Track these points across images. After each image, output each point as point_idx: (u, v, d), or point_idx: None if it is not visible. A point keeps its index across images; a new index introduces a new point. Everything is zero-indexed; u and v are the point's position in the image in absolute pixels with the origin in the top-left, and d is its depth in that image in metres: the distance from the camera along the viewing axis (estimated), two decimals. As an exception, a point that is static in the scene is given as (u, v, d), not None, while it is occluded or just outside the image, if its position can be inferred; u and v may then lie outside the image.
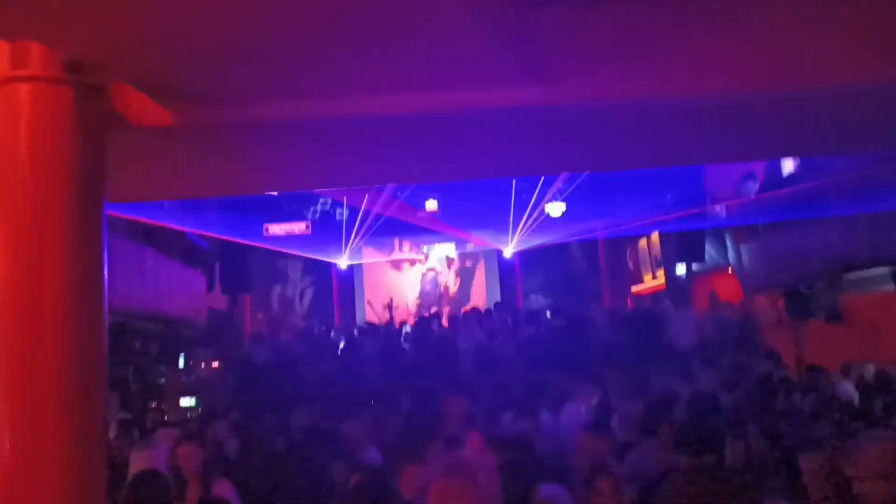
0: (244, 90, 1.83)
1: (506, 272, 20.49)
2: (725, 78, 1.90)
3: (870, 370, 9.66)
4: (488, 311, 15.96)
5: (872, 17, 1.87)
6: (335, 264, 18.72)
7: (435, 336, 13.58)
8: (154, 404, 10.69)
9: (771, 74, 1.85)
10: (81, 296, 1.71)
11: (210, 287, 13.19)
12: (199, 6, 1.52)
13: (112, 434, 6.84)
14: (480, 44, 1.66)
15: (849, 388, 8.75)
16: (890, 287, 9.49)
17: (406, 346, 14.02)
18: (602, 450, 4.77)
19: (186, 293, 11.70)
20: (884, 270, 9.39)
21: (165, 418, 8.98)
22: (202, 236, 13.01)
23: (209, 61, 1.70)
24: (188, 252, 12.07)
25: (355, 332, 15.50)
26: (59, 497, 1.59)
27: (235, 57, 1.70)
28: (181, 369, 12.03)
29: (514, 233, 19.30)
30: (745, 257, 13.29)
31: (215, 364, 13.09)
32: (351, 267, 19.03)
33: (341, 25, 1.60)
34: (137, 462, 4.82)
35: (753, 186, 13.46)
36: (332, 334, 15.28)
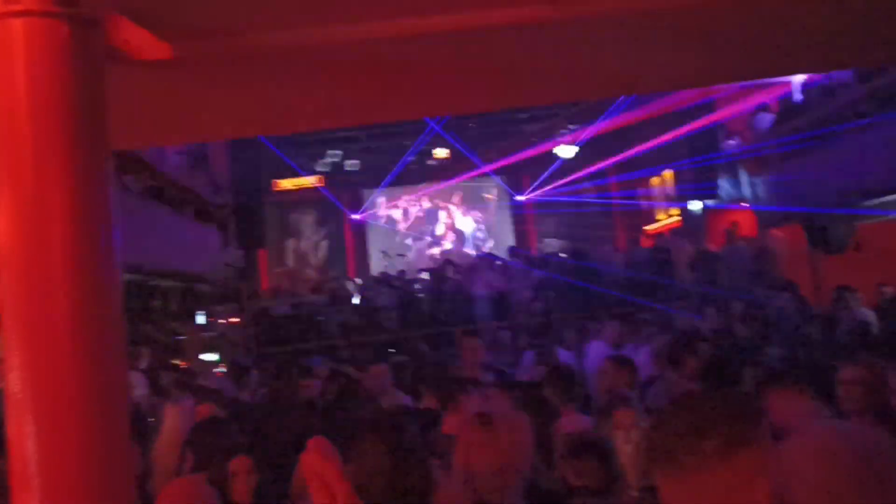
0: (244, 19, 1.78)
1: (519, 216, 20.44)
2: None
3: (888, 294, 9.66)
4: (505, 254, 15.98)
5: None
6: (349, 215, 18.73)
7: (450, 283, 13.62)
8: (177, 361, 10.82)
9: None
10: (90, 244, 1.66)
11: (225, 243, 13.25)
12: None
13: (143, 390, 6.95)
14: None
15: (866, 314, 8.74)
16: (907, 212, 9.38)
17: (422, 294, 14.09)
18: (623, 380, 4.77)
19: (202, 250, 11.75)
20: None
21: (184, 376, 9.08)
22: (216, 193, 13.02)
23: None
24: (202, 210, 12.09)
25: (371, 282, 15.59)
26: (83, 458, 1.56)
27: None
28: (201, 325, 12.15)
29: (526, 176, 19.17)
30: (759, 190, 13.15)
31: (235, 319, 13.23)
32: (364, 218, 19.05)
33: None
34: (171, 417, 4.92)
35: (767, 118, 13.25)
36: (349, 285, 15.37)
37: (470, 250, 18.71)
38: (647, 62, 2.23)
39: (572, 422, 4.19)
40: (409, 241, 19.29)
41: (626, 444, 3.28)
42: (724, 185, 14.73)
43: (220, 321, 12.95)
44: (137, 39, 1.74)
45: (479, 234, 19.94)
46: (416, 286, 14.55)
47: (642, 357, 6.95)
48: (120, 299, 1.69)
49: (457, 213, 19.81)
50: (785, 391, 3.15)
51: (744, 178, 14.23)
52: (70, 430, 1.50)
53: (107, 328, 1.62)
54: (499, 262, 14.50)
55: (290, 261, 18.70)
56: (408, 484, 2.19)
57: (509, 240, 19.28)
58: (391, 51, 1.90)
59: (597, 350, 7.90)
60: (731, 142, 14.36)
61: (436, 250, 19.18)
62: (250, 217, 13.70)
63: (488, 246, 19.20)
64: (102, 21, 1.68)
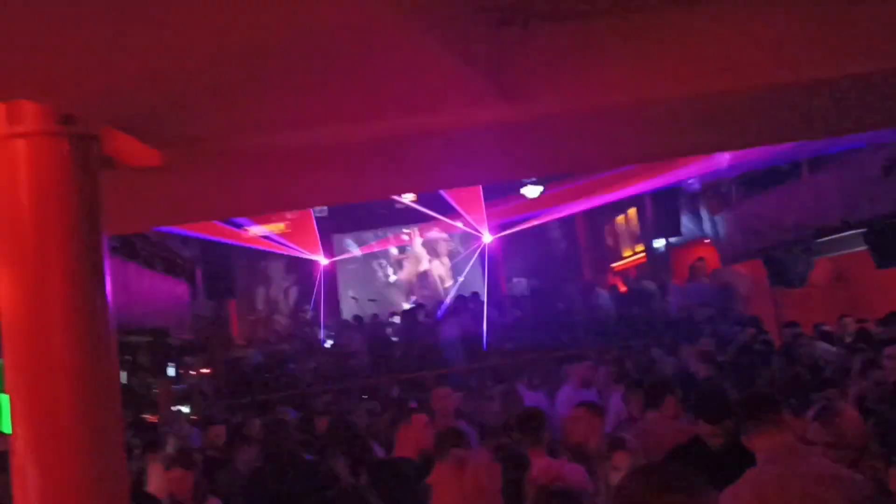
0: (225, 126, 1.92)
1: (486, 257, 20.58)
2: (683, 80, 2.02)
3: (849, 327, 9.94)
4: (474, 294, 16.10)
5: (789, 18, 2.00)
6: (317, 261, 18.76)
7: (421, 326, 13.71)
8: (148, 416, 10.74)
9: (707, 77, 1.97)
10: (88, 322, 1.81)
11: (195, 294, 13.22)
12: (177, 57, 1.61)
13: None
14: (450, 69, 1.77)
15: (828, 348, 8.98)
16: (862, 248, 9.70)
17: (394, 338, 14.15)
18: (597, 427, 4.88)
19: (172, 303, 11.74)
20: (855, 232, 9.61)
21: (159, 429, 9.03)
22: (184, 244, 13.02)
23: (190, 104, 1.79)
24: (170, 262, 12.10)
25: (342, 327, 15.62)
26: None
27: (215, 97, 1.79)
28: (172, 378, 12.07)
29: (492, 217, 19.39)
30: (720, 227, 13.50)
31: (206, 370, 13.15)
32: (333, 262, 19.08)
33: (312, 62, 1.69)
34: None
35: (725, 157, 13.64)
36: (319, 331, 15.38)
37: (440, 292, 18.81)
38: (603, 147, 2.41)
39: (544, 469, 4.29)
40: (382, 282, 19.34)
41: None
42: (686, 222, 15.09)
43: (192, 372, 12.88)
44: (129, 148, 1.86)
45: (449, 276, 20.06)
46: (388, 330, 14.61)
47: (614, 400, 7.08)
48: (115, 360, 1.83)
49: (424, 255, 19.91)
50: (764, 424, 3.32)
51: (705, 215, 14.60)
52: (73, 482, 1.64)
53: (104, 387, 1.76)
54: (470, 305, 14.63)
55: (261, 308, 18.65)
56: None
57: (478, 280, 19.42)
58: (364, 145, 2.04)
59: (567, 394, 8.02)
60: (692, 181, 14.74)
61: (404, 293, 19.24)
62: (219, 267, 13.71)
63: (457, 287, 19.30)
64: (99, 135, 1.82)
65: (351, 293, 18.46)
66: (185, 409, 11.91)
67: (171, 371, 12.07)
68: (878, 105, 2.36)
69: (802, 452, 3.32)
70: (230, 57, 1.64)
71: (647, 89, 2.03)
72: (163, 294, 11.28)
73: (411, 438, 4.98)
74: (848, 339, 9.38)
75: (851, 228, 9.78)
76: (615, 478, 3.49)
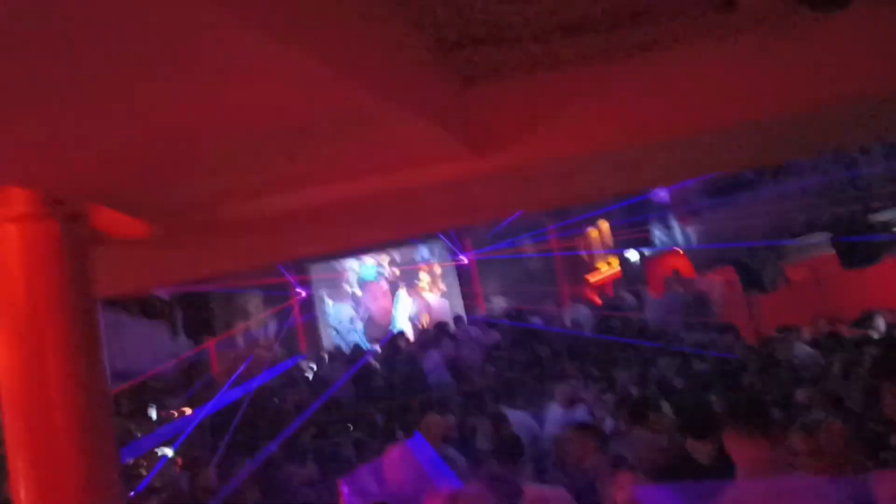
0: (206, 196, 1.99)
1: (464, 278, 20.67)
2: (645, 128, 2.13)
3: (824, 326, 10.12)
4: (457, 317, 16.17)
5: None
6: (296, 292, 18.69)
7: (403, 355, 13.71)
8: (131, 461, 10.62)
9: (667, 119, 2.09)
10: (82, 370, 1.87)
11: (174, 335, 13.15)
12: (158, 137, 1.68)
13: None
14: (422, 131, 1.85)
15: (806, 350, 9.13)
16: (830, 251, 9.95)
17: (376, 366, 14.13)
18: (590, 447, 4.93)
19: (151, 346, 11.67)
20: (822, 236, 9.85)
21: (143, 472, 8.95)
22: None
23: (173, 178, 1.86)
24: (149, 305, 12.04)
25: (324, 358, 15.57)
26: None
27: (196, 171, 1.86)
28: (153, 421, 11.97)
29: (467, 239, 19.50)
30: (691, 237, 13.72)
31: (187, 411, 13.04)
32: (311, 294, 19.04)
33: (290, 134, 1.77)
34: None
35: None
36: (301, 363, 15.33)
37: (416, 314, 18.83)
38: (566, 188, 2.51)
39: (530, 498, 4.33)
40: (359, 313, 19.30)
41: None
42: (656, 232, 15.33)
43: (174, 414, 12.76)
44: (117, 222, 1.92)
45: (424, 299, 20.07)
46: (370, 359, 14.59)
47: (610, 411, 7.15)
48: (110, 411, 1.89)
49: (396, 278, 19.88)
50: (739, 434, 3.41)
51: (675, 224, 14.86)
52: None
53: (100, 438, 1.81)
54: (451, 329, 14.67)
55: (241, 343, 18.53)
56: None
57: (457, 300, 19.47)
58: (341, 208, 2.12)
59: (556, 413, 8.08)
60: (661, 192, 14.99)
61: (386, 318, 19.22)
62: (197, 306, 13.65)
63: (435, 310, 19.31)
64: (86, 212, 1.87)
65: (331, 324, 18.42)
66: (169, 452, 11.80)
67: (152, 414, 11.99)
68: (814, 136, 2.48)
69: (783, 465, 3.40)
70: (209, 133, 1.71)
71: (611, 136, 2.13)
72: (141, 337, 11.22)
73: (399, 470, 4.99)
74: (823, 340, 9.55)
75: (816, 231, 10.03)
76: (621, 497, 3.55)
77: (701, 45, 2.13)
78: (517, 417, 8.03)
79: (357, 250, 17.45)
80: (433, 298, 19.88)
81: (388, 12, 1.56)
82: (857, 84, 2.21)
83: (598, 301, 15.74)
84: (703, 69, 2.14)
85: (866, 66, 2.18)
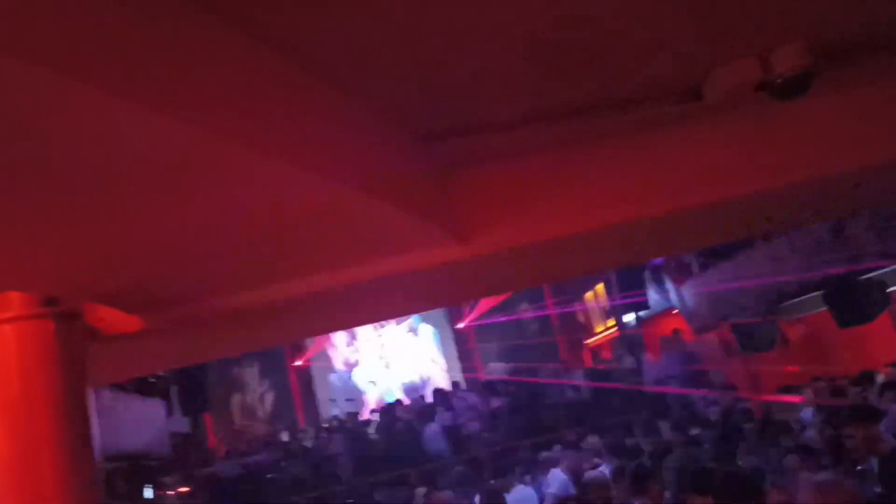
0: (198, 289, 2.04)
1: (462, 343, 20.64)
2: (625, 208, 2.20)
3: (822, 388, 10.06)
4: (455, 384, 16.08)
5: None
6: (292, 363, 18.61)
7: (401, 422, 13.58)
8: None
9: (651, 200, 2.16)
10: (77, 471, 1.89)
11: (170, 412, 13.02)
12: (150, 236, 1.74)
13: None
14: (403, 221, 1.91)
15: (808, 413, 9.08)
16: (823, 308, 9.97)
17: (375, 436, 13.97)
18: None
19: (147, 424, 11.54)
20: (815, 294, 9.89)
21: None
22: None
23: (164, 274, 1.92)
24: (143, 382, 11.95)
25: (321, 430, 15.40)
26: None
27: (188, 266, 1.92)
28: (150, 500, 11.76)
29: (463, 307, 19.51)
30: (686, 298, 13.75)
31: (185, 489, 12.84)
32: (308, 363, 18.95)
33: (276, 229, 1.83)
34: None
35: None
36: (299, 436, 15.16)
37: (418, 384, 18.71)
38: (550, 268, 2.57)
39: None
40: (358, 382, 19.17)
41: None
42: (652, 294, 15.34)
43: (170, 493, 12.55)
44: (111, 318, 1.97)
45: (425, 366, 19.98)
46: (368, 429, 14.43)
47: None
48: (102, 497, 1.91)
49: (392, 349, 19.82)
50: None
51: (670, 286, 14.87)
52: None
53: None
54: (450, 396, 14.56)
55: (238, 417, 18.34)
56: None
57: (455, 366, 19.39)
58: (327, 297, 2.17)
59: (558, 478, 8.02)
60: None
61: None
62: (193, 381, 13.53)
63: (434, 377, 19.21)
64: (81, 310, 1.92)
65: (329, 394, 18.28)
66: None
67: (148, 493, 11.78)
68: (802, 210, 2.56)
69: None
70: (199, 231, 1.77)
71: (592, 216, 2.20)
72: (137, 415, 11.12)
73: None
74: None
75: (809, 291, 10.07)
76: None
77: (673, 130, 2.22)
78: (516, 495, 7.95)
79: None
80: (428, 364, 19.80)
81: (368, 116, 1.65)
82: (828, 162, 2.29)
83: (597, 365, 15.70)
84: (676, 152, 2.22)
85: (834, 145, 2.27)
